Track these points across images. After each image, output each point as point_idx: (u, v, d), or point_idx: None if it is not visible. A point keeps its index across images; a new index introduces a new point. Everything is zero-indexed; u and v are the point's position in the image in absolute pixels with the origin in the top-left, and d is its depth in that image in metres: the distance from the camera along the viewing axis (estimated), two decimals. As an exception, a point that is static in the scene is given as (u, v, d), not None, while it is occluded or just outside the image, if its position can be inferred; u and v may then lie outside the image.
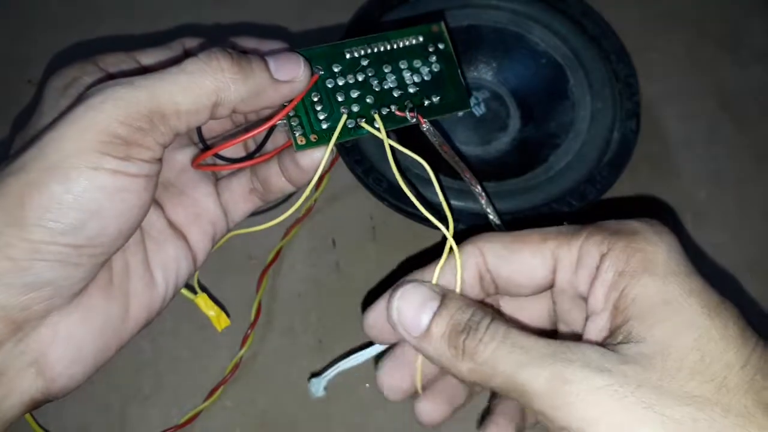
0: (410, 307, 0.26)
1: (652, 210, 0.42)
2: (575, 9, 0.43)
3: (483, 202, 0.32)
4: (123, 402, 0.37)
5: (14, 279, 0.23)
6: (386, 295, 0.27)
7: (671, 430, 0.21)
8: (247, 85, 0.26)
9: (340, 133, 0.29)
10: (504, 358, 0.23)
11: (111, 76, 0.27)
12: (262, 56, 0.27)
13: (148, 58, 0.29)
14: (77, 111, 0.23)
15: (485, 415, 0.29)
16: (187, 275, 0.30)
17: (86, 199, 0.23)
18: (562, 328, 0.28)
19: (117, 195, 0.24)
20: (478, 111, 0.42)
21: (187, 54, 0.30)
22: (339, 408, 0.37)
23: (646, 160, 0.43)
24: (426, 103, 0.31)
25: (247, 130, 0.29)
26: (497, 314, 0.25)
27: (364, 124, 0.30)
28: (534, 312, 0.29)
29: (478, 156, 0.41)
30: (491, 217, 0.32)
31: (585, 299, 0.25)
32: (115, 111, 0.23)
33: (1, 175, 0.23)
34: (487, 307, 0.26)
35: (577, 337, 0.26)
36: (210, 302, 0.36)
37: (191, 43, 0.30)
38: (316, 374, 0.35)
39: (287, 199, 0.37)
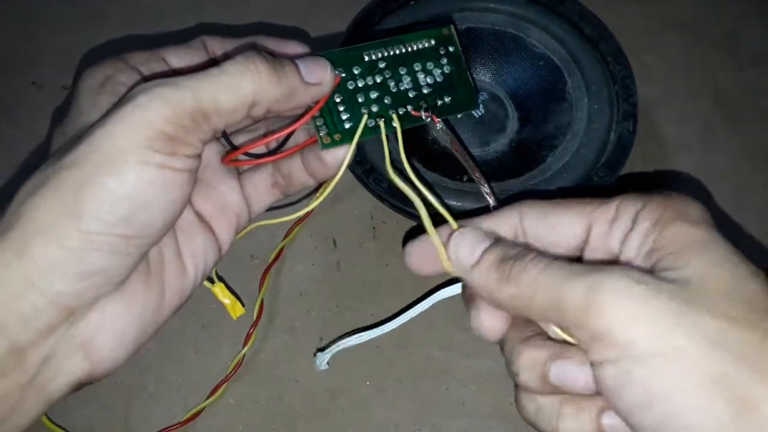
0: (466, 244, 0.28)
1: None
2: (572, 12, 0.43)
3: (490, 201, 0.33)
4: (127, 400, 0.37)
5: (69, 268, 0.24)
6: (425, 236, 0.30)
7: (699, 340, 0.22)
8: (282, 87, 0.27)
9: (362, 132, 0.31)
10: (546, 278, 0.25)
11: (141, 74, 0.29)
12: (292, 60, 0.28)
13: (172, 56, 0.30)
14: (126, 109, 0.25)
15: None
16: (214, 263, 0.32)
17: (137, 193, 0.24)
18: None
19: (164, 188, 0.25)
20: (477, 113, 0.43)
21: (208, 51, 0.31)
22: (340, 405, 0.37)
23: (642, 161, 0.44)
24: (439, 103, 0.32)
25: (284, 126, 0.31)
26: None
27: (382, 124, 0.31)
28: None
29: (477, 157, 0.42)
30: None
31: (615, 259, 0.26)
32: (162, 110, 0.25)
33: (54, 169, 0.24)
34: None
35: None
36: (226, 291, 0.37)
37: (211, 41, 0.31)
38: (321, 349, 0.37)
39: (311, 193, 0.39)
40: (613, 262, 0.26)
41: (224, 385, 0.37)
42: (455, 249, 0.28)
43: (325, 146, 0.31)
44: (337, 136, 0.31)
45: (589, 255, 0.27)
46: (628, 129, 0.40)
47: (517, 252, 0.26)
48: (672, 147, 0.45)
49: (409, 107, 0.32)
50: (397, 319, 0.35)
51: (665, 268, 0.24)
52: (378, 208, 0.42)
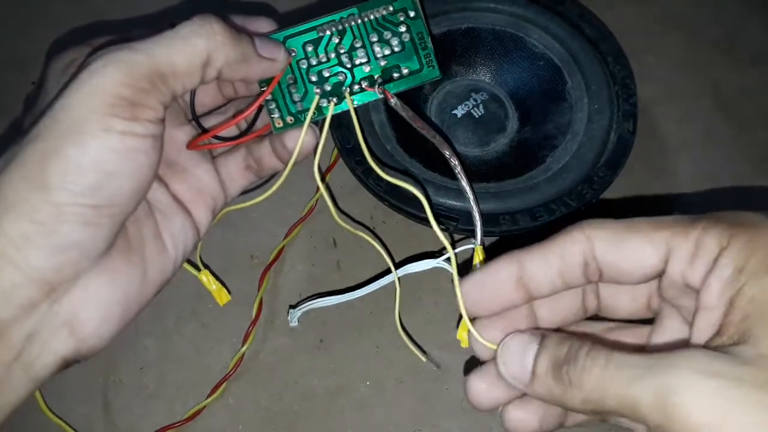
0: (514, 356, 0.26)
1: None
2: (572, 11, 0.43)
3: (461, 178, 0.32)
4: (127, 399, 0.37)
5: (43, 242, 0.24)
6: (480, 270, 0.27)
7: None
8: (236, 50, 0.27)
9: (314, 112, 0.31)
10: (610, 380, 0.23)
11: None
12: (248, 33, 0.29)
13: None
14: (82, 77, 0.25)
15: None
16: (193, 245, 0.32)
17: (101, 161, 0.24)
18: (666, 314, 0.27)
19: (128, 155, 0.25)
20: (477, 113, 0.43)
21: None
22: (339, 405, 0.37)
23: (643, 161, 0.44)
24: (395, 75, 0.32)
25: (239, 112, 0.32)
26: (597, 341, 0.25)
27: (331, 106, 0.32)
28: (637, 298, 0.28)
29: (477, 157, 0.42)
30: (468, 195, 0.32)
31: (696, 290, 0.24)
32: (117, 74, 0.25)
33: (19, 145, 0.25)
34: (587, 337, 0.26)
35: (682, 343, 0.25)
36: (211, 278, 0.37)
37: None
38: (293, 306, 0.39)
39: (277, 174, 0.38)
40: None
41: (224, 384, 0.37)
42: (505, 368, 0.26)
43: (278, 129, 0.32)
44: (289, 119, 0.32)
45: (666, 287, 0.25)
46: (629, 129, 0.40)
47: (567, 352, 0.24)
48: (672, 147, 0.45)
49: (364, 83, 0.32)
50: (367, 286, 0.36)
51: (743, 337, 0.22)
52: (378, 208, 0.42)
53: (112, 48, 0.25)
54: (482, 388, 0.28)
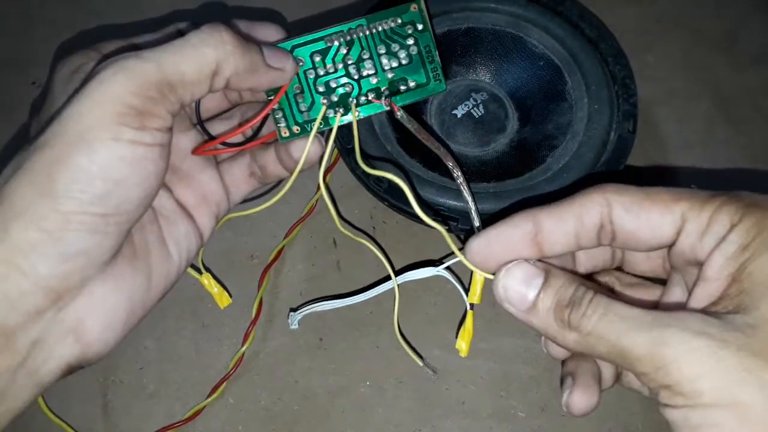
0: (515, 284, 0.27)
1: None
2: (572, 12, 0.43)
3: (464, 190, 0.32)
4: (127, 399, 0.37)
5: (50, 250, 0.24)
6: (494, 226, 0.28)
7: (764, 396, 0.21)
8: (245, 59, 0.27)
9: (321, 122, 0.32)
10: (606, 329, 0.24)
11: None
12: (257, 42, 0.29)
13: (146, 44, 0.30)
14: (91, 85, 0.25)
15: (564, 377, 0.29)
16: (196, 250, 0.32)
17: (110, 169, 0.24)
18: (675, 281, 0.28)
19: (137, 164, 0.25)
20: (477, 113, 0.43)
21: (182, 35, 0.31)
22: (340, 405, 0.37)
23: (643, 162, 0.44)
24: (402, 88, 0.32)
25: (245, 121, 0.32)
26: (599, 288, 0.26)
27: (338, 116, 0.32)
28: (652, 258, 0.29)
29: (477, 157, 0.42)
30: (470, 206, 0.32)
31: (700, 263, 0.25)
32: (127, 82, 0.25)
33: (28, 152, 0.25)
34: (589, 282, 0.27)
35: (680, 305, 0.27)
36: (213, 281, 0.37)
37: (186, 27, 0.31)
38: (294, 309, 0.39)
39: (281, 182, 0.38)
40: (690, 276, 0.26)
41: (224, 384, 0.37)
42: (504, 291, 0.27)
43: (284, 139, 0.32)
44: (295, 128, 0.32)
45: (674, 255, 0.26)
46: (629, 129, 0.40)
47: (572, 295, 0.26)
48: (672, 147, 0.45)
49: (371, 95, 0.32)
50: (367, 292, 0.36)
51: (737, 308, 0.23)
52: (378, 208, 0.42)
53: (122, 56, 0.25)
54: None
